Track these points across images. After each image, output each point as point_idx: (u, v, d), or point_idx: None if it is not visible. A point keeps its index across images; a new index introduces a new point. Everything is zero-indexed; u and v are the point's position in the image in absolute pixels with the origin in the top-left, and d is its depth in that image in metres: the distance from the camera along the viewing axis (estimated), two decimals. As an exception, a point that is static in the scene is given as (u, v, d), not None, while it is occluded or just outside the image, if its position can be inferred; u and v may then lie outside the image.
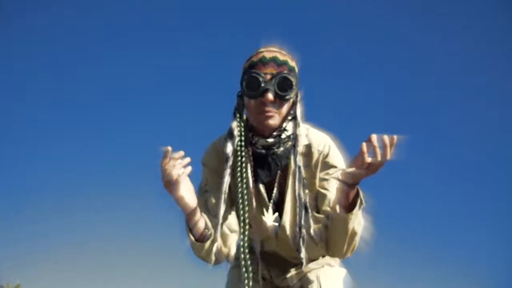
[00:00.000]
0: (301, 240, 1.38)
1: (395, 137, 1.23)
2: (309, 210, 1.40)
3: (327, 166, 1.48)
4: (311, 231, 1.39)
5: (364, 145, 1.25)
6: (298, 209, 1.40)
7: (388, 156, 1.23)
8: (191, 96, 5.23)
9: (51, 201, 5.14)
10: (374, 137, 1.24)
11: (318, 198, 1.48)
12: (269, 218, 1.50)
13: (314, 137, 1.51)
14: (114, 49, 5.49)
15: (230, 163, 1.40)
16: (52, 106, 5.40)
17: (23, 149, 5.38)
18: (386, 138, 1.23)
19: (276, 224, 1.49)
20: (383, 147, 1.23)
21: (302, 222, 1.39)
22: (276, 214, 1.50)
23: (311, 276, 1.56)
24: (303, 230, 1.38)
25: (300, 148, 1.44)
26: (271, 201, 1.49)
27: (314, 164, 1.48)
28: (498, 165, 4.77)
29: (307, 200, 1.40)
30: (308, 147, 1.49)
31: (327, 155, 1.48)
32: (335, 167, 1.48)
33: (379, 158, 1.23)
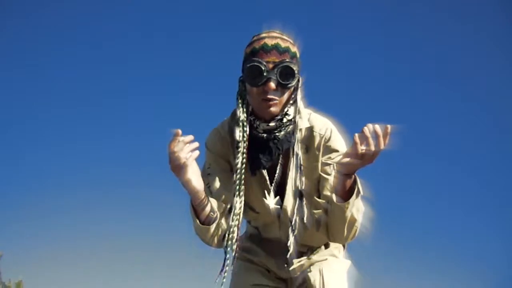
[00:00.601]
0: (290, 228, 1.41)
1: (388, 126, 1.25)
2: (304, 198, 1.42)
3: (329, 150, 1.50)
4: (305, 219, 1.41)
5: (357, 135, 1.27)
6: (293, 197, 1.43)
7: (382, 146, 1.24)
8: (191, 94, 5.25)
9: (52, 198, 5.15)
10: (366, 128, 1.26)
11: (320, 182, 1.49)
12: (270, 201, 1.51)
13: (315, 121, 1.52)
14: (114, 49, 5.50)
15: (241, 149, 1.41)
16: (52, 106, 5.42)
17: (23, 146, 5.39)
18: (378, 127, 1.25)
19: (278, 206, 1.51)
20: (377, 137, 1.24)
21: (295, 210, 1.41)
22: (278, 197, 1.52)
23: (314, 269, 1.57)
24: (296, 218, 1.41)
25: (300, 134, 1.46)
26: (273, 184, 1.51)
27: (316, 148, 1.50)
28: (499, 163, 4.79)
29: (303, 187, 1.42)
30: (310, 130, 1.51)
31: (328, 139, 1.50)
32: (337, 151, 1.49)
33: (372, 148, 1.25)
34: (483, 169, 4.99)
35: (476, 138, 4.94)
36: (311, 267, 1.59)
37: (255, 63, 1.37)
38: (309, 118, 1.53)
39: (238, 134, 1.42)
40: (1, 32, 4.97)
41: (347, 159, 1.30)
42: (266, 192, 1.52)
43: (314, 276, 1.55)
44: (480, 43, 4.96)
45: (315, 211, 1.45)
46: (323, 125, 1.52)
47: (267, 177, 1.51)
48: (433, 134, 5.07)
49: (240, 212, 1.41)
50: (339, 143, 1.51)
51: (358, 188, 1.35)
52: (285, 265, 1.58)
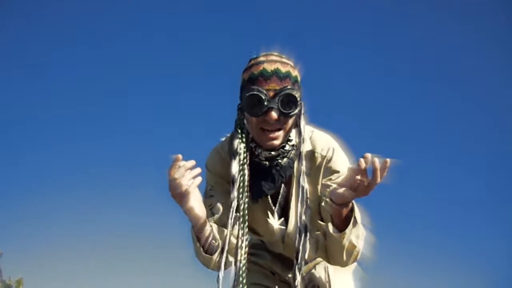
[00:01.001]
0: (296, 267, 1.32)
1: (388, 160, 1.19)
2: (308, 235, 1.34)
3: (330, 171, 1.45)
4: (306, 256, 1.34)
5: (352, 168, 1.23)
6: (297, 233, 1.34)
7: (378, 180, 1.19)
8: (191, 94, 5.24)
9: (52, 197, 5.17)
10: (362, 160, 1.20)
11: (320, 204, 1.45)
12: (275, 222, 1.48)
13: (317, 141, 1.47)
14: (114, 49, 5.48)
15: (237, 184, 1.34)
16: (52, 106, 5.41)
17: (23, 146, 5.39)
18: (376, 161, 1.20)
19: (283, 227, 1.48)
20: (374, 170, 1.19)
21: (300, 247, 1.33)
22: (282, 219, 1.48)
23: (319, 268, 1.55)
24: (300, 255, 1.32)
25: (305, 166, 1.38)
26: (276, 206, 1.47)
27: (317, 169, 1.45)
28: (499, 163, 4.81)
29: (308, 223, 1.34)
30: (311, 152, 1.45)
31: (330, 160, 1.45)
32: (338, 172, 1.44)
33: (365, 182, 1.20)
34: (483, 168, 5.01)
35: (476, 138, 4.96)
36: (317, 266, 1.56)
37: (255, 92, 1.28)
38: (310, 137, 1.47)
39: (235, 168, 1.34)
40: (1, 32, 4.94)
41: (341, 190, 1.26)
42: (269, 213, 1.48)
43: (319, 273, 1.53)
44: (480, 43, 4.95)
45: (316, 233, 1.43)
46: (325, 145, 1.46)
47: (270, 202, 1.47)
48: (433, 134, 5.09)
49: (246, 256, 1.35)
50: (341, 163, 1.46)
51: (355, 217, 1.32)
52: (290, 277, 1.52)
